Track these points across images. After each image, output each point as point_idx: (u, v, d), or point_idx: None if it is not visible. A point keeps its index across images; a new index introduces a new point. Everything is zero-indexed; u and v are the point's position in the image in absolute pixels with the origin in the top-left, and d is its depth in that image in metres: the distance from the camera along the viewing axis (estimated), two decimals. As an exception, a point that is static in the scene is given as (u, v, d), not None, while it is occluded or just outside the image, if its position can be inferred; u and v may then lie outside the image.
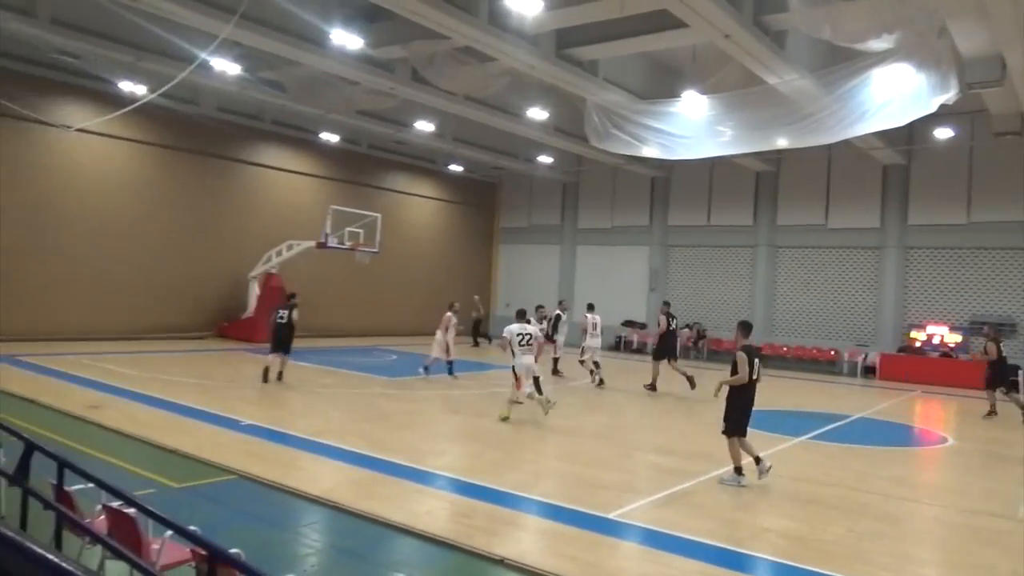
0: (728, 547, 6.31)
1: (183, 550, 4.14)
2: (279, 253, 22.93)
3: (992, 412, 14.56)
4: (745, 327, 8.91)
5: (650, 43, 15.63)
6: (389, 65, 17.58)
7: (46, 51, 17.41)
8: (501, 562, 5.75)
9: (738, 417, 8.46)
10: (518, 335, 11.77)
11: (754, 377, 8.47)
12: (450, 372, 16.35)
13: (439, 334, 16.35)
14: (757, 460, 8.41)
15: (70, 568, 1.41)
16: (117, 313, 20.55)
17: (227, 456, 8.35)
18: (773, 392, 18.16)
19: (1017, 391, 15.30)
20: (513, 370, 11.75)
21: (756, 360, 8.53)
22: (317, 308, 25.29)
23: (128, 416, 10.30)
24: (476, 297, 25.83)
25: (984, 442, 12.81)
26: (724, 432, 8.52)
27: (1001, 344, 14.78)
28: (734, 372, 8.50)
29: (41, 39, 16.31)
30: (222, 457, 8.30)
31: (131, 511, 4.03)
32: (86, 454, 8.00)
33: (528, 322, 12.67)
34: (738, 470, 8.39)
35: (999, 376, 14.66)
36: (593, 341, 16.82)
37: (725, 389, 8.71)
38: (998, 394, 14.62)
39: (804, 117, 15.55)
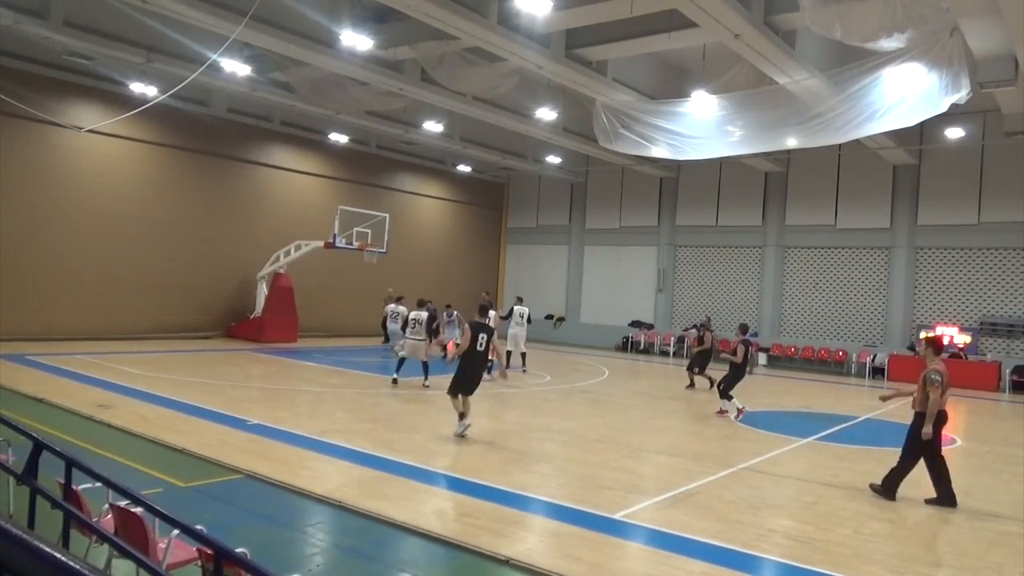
0: (734, 548, 6.29)
1: (190, 549, 4.16)
2: (287, 253, 22.99)
3: (691, 385, 17.29)
4: (481, 309, 10.94)
5: (660, 43, 15.58)
6: (398, 66, 17.62)
7: (58, 52, 17.52)
8: (507, 562, 5.75)
9: (461, 380, 10.21)
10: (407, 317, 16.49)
11: (479, 348, 10.17)
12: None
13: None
14: (462, 416, 10.13)
15: (77, 567, 1.42)
16: (125, 313, 20.65)
17: (234, 455, 8.40)
18: (781, 393, 18.14)
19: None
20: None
21: (481, 334, 10.20)
22: (324, 308, 25.49)
23: (136, 415, 10.35)
24: (390, 290, 25.60)
25: (992, 443, 12.76)
26: (448, 391, 10.25)
27: (713, 335, 18.05)
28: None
29: (53, 40, 16.43)
30: (229, 456, 8.34)
31: (138, 510, 4.05)
32: (94, 453, 8.05)
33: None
34: (461, 416, 10.16)
35: (704, 361, 17.23)
36: None
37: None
38: (697, 374, 17.23)
39: (814, 117, 15.48)
